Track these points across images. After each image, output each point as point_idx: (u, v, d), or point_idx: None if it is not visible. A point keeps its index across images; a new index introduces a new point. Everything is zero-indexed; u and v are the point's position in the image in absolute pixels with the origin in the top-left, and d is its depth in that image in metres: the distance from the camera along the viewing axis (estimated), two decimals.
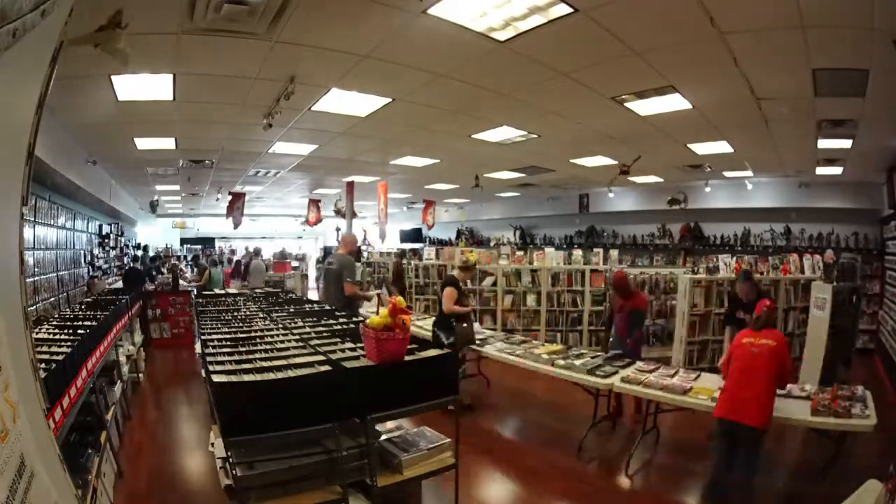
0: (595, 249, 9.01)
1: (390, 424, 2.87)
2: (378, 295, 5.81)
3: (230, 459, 1.97)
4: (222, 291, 6.51)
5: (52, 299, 6.00)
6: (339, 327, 3.43)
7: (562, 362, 4.16)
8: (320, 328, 3.40)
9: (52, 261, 6.11)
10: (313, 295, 11.94)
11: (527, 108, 5.01)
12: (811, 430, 3.26)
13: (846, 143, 5.76)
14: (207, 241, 17.01)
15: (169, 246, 16.01)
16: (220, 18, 3.00)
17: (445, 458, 2.58)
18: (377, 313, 2.46)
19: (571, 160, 7.80)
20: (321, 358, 2.45)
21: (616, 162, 7.00)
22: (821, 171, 7.48)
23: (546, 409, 5.45)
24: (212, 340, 2.88)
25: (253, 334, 3.11)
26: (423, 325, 5.89)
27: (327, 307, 4.57)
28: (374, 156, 7.64)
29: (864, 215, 8.16)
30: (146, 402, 5.51)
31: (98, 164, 6.98)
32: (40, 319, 3.83)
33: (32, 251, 5.32)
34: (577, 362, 4.12)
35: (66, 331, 3.27)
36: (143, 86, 4.13)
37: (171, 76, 4.02)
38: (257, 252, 11.71)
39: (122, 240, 11.97)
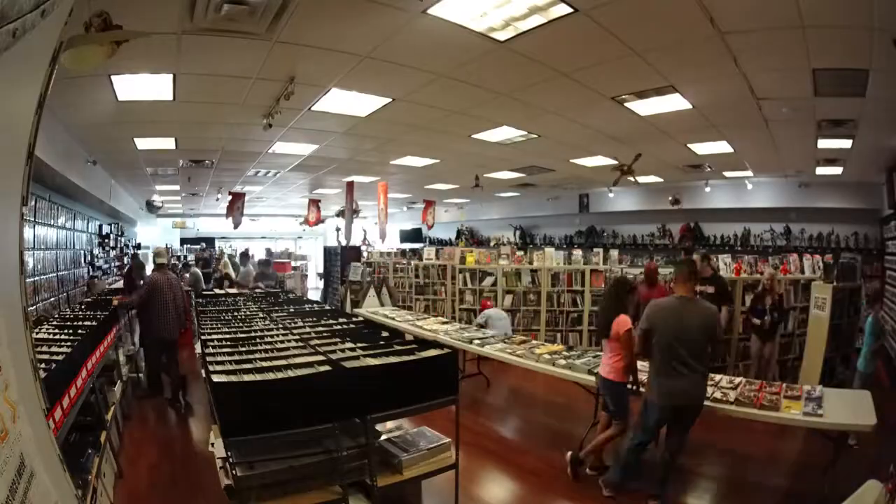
0: (595, 249, 9.02)
1: (390, 424, 2.88)
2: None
3: (230, 459, 1.98)
4: (222, 292, 6.52)
5: (52, 299, 5.99)
6: (339, 327, 3.44)
7: (563, 362, 4.17)
8: (320, 328, 3.41)
9: (52, 261, 6.10)
10: (314, 295, 11.94)
11: (527, 108, 5.00)
12: (811, 430, 3.25)
13: (846, 143, 5.76)
14: (207, 241, 16.96)
15: (169, 246, 16.00)
16: (220, 18, 3.00)
17: (445, 458, 2.59)
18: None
19: (571, 160, 7.79)
20: (321, 358, 2.46)
21: (616, 162, 6.99)
22: (821, 171, 7.48)
23: (546, 409, 5.45)
24: (212, 340, 2.89)
25: (253, 334, 3.12)
26: (423, 324, 5.89)
27: (327, 307, 4.57)
28: (374, 156, 7.63)
29: (864, 215, 8.14)
30: (146, 402, 5.51)
31: (98, 164, 6.97)
32: (40, 319, 3.84)
33: (32, 251, 5.31)
34: (578, 362, 4.13)
35: (66, 331, 3.27)
36: (143, 86, 4.12)
37: (171, 76, 4.01)
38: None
39: (122, 240, 11.91)
